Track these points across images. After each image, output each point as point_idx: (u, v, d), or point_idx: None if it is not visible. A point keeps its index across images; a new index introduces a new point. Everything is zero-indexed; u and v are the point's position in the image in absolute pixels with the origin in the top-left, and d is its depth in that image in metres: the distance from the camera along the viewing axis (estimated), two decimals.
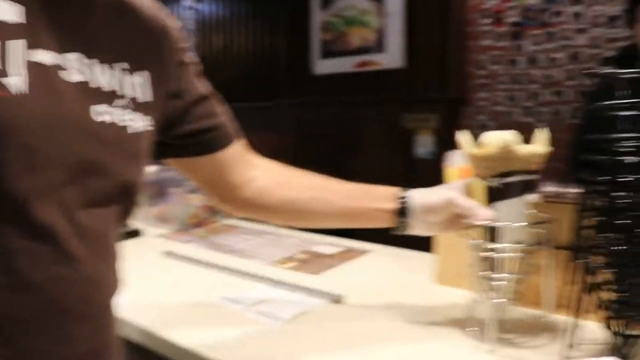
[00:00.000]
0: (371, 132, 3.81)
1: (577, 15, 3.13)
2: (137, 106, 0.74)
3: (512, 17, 3.33)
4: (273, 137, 4.29)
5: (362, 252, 1.65)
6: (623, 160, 0.86)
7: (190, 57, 0.90)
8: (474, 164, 1.02)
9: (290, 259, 1.57)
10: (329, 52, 4.00)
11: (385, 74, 3.72)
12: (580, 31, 3.13)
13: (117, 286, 0.73)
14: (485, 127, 3.44)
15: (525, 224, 0.97)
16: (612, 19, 3.04)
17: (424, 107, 3.55)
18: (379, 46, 3.72)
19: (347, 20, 3.87)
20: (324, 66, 4.03)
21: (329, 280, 1.38)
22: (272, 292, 1.27)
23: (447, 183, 1.21)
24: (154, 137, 0.78)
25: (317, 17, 4.03)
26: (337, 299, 1.23)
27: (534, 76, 3.27)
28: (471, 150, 1.01)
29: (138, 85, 0.74)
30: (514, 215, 0.97)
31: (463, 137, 1.04)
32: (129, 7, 0.76)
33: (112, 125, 0.68)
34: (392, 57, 3.65)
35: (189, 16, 4.93)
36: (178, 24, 0.86)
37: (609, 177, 0.84)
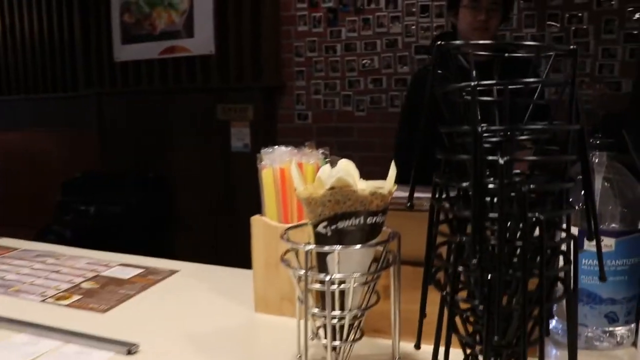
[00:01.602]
0: (183, 124, 3.50)
1: (390, 2, 3.09)
2: None
3: (328, 2, 3.20)
4: (73, 131, 3.81)
5: (169, 274, 1.35)
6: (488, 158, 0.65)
7: None
8: (304, 206, 0.78)
9: (71, 290, 1.22)
10: (131, 37, 3.57)
11: (196, 61, 3.41)
12: (395, 19, 3.09)
13: None
14: (303, 117, 3.30)
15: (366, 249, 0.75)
16: (424, 8, 3.03)
17: (239, 96, 3.34)
18: (187, 30, 3.39)
19: (150, 0, 3.47)
20: (126, 52, 3.60)
21: (121, 319, 1.07)
22: (37, 346, 0.93)
23: (263, 185, 0.97)
24: None
25: None
26: (130, 349, 0.92)
27: (352, 64, 3.18)
28: (298, 190, 0.77)
29: None
30: (351, 265, 0.75)
31: (293, 171, 0.79)
32: None
33: None
34: (201, 42, 3.35)
35: None
36: None
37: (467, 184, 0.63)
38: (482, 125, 0.57)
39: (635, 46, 2.76)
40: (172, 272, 1.35)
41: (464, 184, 0.61)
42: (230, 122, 3.33)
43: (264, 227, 1.06)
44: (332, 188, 0.73)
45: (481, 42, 0.55)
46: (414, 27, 3.06)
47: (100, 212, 3.35)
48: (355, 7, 3.14)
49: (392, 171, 0.79)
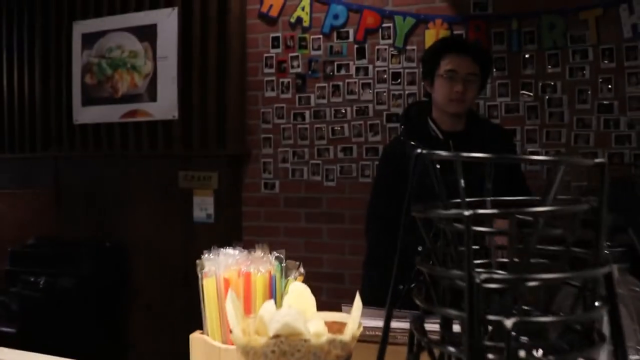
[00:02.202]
0: (143, 192, 3.33)
1: (361, 69, 3.00)
2: None
3: (296, 68, 3.10)
4: (28, 194, 3.60)
5: None
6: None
7: None
8: (241, 355, 0.62)
9: None
10: (92, 99, 3.42)
11: (158, 126, 3.27)
12: (365, 85, 3.00)
13: None
14: (270, 186, 3.15)
15: None
16: (396, 75, 2.95)
17: (202, 164, 3.18)
18: (150, 94, 3.25)
19: (113, 62, 3.34)
20: (86, 114, 3.44)
21: None
22: None
23: (205, 297, 0.81)
24: None
25: (79, 56, 3.44)
26: None
27: (321, 131, 3.07)
28: (234, 334, 0.61)
29: None
30: None
31: (228, 308, 0.64)
32: None
33: None
34: (164, 107, 3.21)
35: None
36: None
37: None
38: (479, 270, 0.43)
39: (610, 117, 2.70)
40: None
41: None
42: (193, 190, 3.17)
43: (205, 348, 0.88)
44: (277, 336, 0.57)
45: (476, 155, 0.43)
46: (385, 94, 2.97)
47: (50, 284, 3.12)
48: (325, 73, 3.05)
49: (357, 307, 0.63)
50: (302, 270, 0.95)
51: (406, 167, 2.04)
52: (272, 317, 0.58)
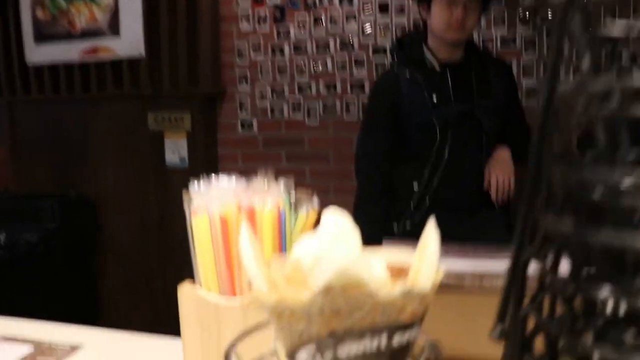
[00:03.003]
0: (109, 137, 3.11)
1: None
2: None
3: None
4: None
5: (67, 352, 0.97)
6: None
7: None
8: (270, 317, 0.40)
9: None
10: (46, 36, 3.11)
11: (123, 65, 3.01)
12: (350, 17, 2.78)
13: None
14: (247, 126, 2.94)
15: None
16: (384, 6, 2.73)
17: (173, 104, 2.96)
18: (112, 29, 2.96)
19: None
20: (41, 54, 3.14)
21: None
22: None
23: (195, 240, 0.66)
24: None
25: None
26: None
27: (302, 66, 2.85)
28: (257, 291, 0.40)
29: None
30: None
31: (243, 248, 0.42)
32: None
33: None
34: (129, 43, 2.93)
35: None
36: None
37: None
38: None
39: None
40: (73, 349, 0.98)
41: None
42: (164, 133, 2.94)
43: (198, 303, 0.68)
44: (327, 289, 0.37)
45: None
46: (371, 25, 2.75)
47: (12, 240, 2.89)
48: (305, 3, 2.81)
49: (433, 240, 0.42)
50: (315, 201, 0.74)
51: (399, 102, 1.84)
52: (319, 262, 0.37)
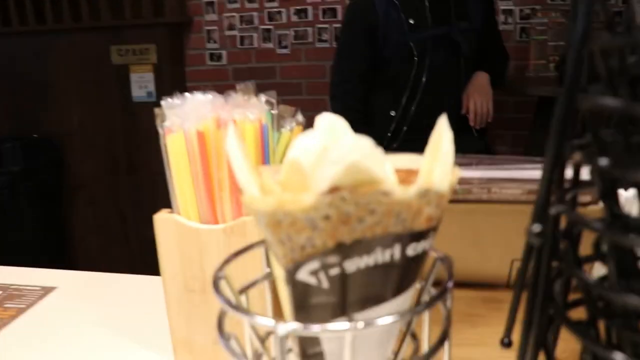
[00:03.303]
0: (70, 73, 2.96)
1: None
2: None
3: None
4: None
5: (40, 295, 0.92)
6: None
7: None
8: (265, 229, 0.34)
9: None
10: None
11: None
12: None
13: None
14: (216, 57, 2.83)
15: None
16: None
17: (137, 35, 2.81)
18: None
19: None
20: None
21: None
22: None
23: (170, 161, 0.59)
24: None
25: None
26: None
27: None
28: (250, 197, 0.33)
29: None
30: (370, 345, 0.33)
31: (235, 151, 0.35)
32: None
33: None
34: None
35: None
36: None
37: None
38: None
39: None
40: (47, 291, 0.93)
41: None
42: (129, 66, 2.82)
43: (178, 231, 0.63)
44: (334, 189, 0.31)
45: None
46: None
47: None
48: None
49: (447, 140, 0.37)
50: (300, 117, 0.68)
51: (376, 24, 1.75)
52: (323, 157, 0.31)
